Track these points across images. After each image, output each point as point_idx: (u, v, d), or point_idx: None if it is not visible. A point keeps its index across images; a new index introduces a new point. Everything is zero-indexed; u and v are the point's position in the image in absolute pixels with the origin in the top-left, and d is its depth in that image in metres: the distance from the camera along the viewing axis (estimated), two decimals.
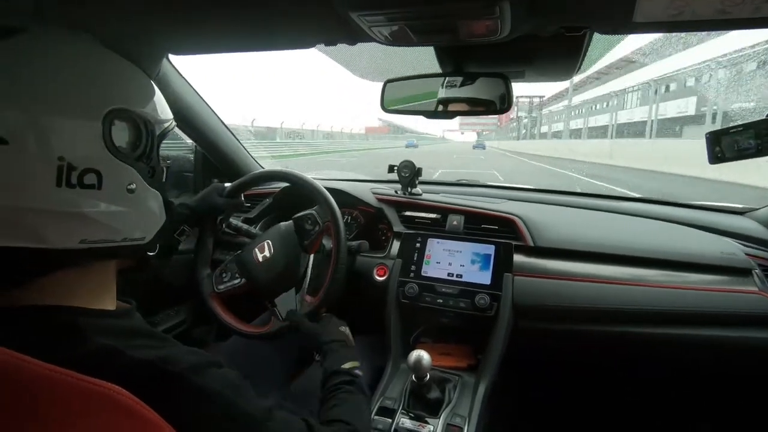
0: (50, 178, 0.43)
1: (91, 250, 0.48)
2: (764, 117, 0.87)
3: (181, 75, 1.27)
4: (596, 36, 0.68)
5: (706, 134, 0.92)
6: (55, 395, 0.39)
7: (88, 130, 0.47)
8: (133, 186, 0.51)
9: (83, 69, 0.49)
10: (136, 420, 0.40)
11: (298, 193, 1.34)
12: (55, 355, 0.41)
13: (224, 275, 1.11)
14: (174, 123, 0.60)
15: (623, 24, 0.58)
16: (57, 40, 0.49)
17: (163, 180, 0.59)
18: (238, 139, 1.58)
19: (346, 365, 0.84)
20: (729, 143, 0.90)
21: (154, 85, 0.59)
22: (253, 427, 0.50)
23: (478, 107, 0.90)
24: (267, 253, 1.09)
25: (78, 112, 0.46)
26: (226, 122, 1.52)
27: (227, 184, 1.18)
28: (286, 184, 1.40)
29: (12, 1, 0.59)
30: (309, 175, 1.14)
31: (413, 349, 0.93)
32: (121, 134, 0.50)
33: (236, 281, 1.10)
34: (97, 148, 0.47)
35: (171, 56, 1.14)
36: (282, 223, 1.15)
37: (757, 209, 1.34)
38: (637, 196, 1.53)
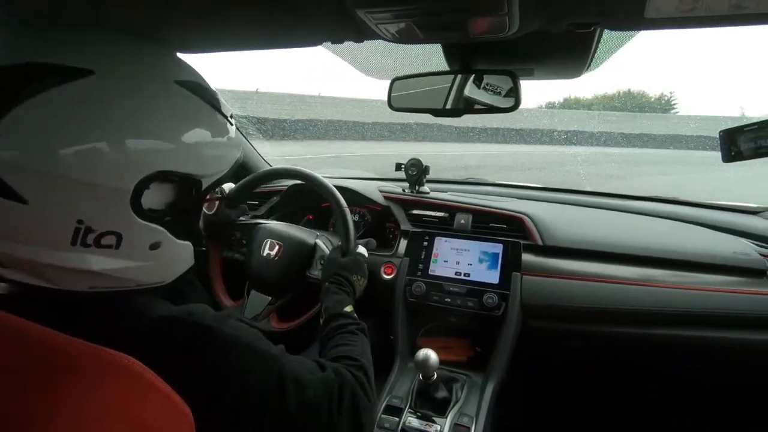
0: (65, 239, 0.42)
1: (102, 293, 0.47)
2: None
3: None
4: (606, 33, 0.67)
5: (720, 132, 0.90)
6: (71, 362, 0.40)
7: (115, 195, 0.43)
8: (159, 242, 0.49)
9: (132, 129, 0.43)
10: (146, 386, 0.41)
11: (306, 191, 1.34)
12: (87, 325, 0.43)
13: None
14: (233, 166, 0.56)
15: (634, 20, 0.57)
16: (121, 88, 0.43)
17: (199, 226, 0.56)
18: (245, 136, 1.59)
19: (348, 309, 0.84)
20: (746, 141, 0.88)
21: (228, 125, 0.53)
22: (273, 363, 0.54)
23: (486, 106, 0.89)
24: (274, 252, 1.10)
25: (108, 178, 0.42)
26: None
27: (229, 186, 1.17)
28: (294, 182, 1.41)
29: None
30: (318, 173, 1.14)
31: (415, 344, 0.92)
32: (156, 196, 0.47)
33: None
34: (122, 211, 0.44)
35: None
36: (265, 224, 1.17)
37: None
38: (648, 195, 1.50)
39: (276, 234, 1.14)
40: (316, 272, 1.11)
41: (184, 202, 0.50)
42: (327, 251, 1.11)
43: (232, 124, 0.56)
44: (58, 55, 0.41)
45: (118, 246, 0.45)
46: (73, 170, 0.40)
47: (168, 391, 0.42)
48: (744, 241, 1.17)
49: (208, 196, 0.55)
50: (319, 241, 1.13)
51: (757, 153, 0.87)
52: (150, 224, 0.47)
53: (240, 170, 1.52)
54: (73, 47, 0.43)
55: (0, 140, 0.38)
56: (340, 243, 1.08)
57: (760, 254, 1.10)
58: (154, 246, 0.48)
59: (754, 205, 1.37)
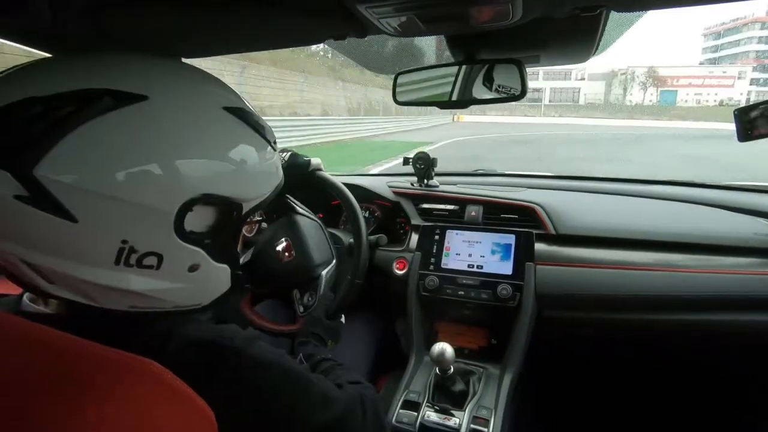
0: (109, 258, 0.43)
1: (139, 313, 0.49)
2: None
3: None
4: (613, 15, 0.65)
5: (734, 111, 0.89)
6: (90, 364, 0.41)
7: (160, 217, 0.44)
8: (197, 264, 0.50)
9: (181, 152, 0.45)
10: (169, 389, 0.42)
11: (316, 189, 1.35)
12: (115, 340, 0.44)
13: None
14: (275, 191, 0.57)
15: (640, 0, 0.56)
16: (172, 113, 0.45)
17: (237, 249, 0.57)
18: None
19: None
20: (761, 119, 0.86)
21: (270, 151, 0.55)
22: (303, 382, 0.56)
23: (492, 95, 0.88)
24: (288, 250, 1.10)
25: (156, 200, 0.43)
26: None
27: None
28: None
29: (29, 13, 0.60)
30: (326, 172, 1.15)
31: (433, 329, 0.92)
32: (198, 219, 0.48)
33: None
34: (165, 233, 0.45)
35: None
36: (300, 219, 1.15)
37: None
38: (662, 179, 1.48)
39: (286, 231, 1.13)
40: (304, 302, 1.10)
41: (224, 225, 0.51)
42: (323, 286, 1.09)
43: (274, 150, 0.57)
44: (113, 80, 0.42)
45: (158, 267, 0.46)
46: (124, 192, 0.41)
47: (192, 395, 0.43)
48: (762, 221, 1.14)
49: (248, 219, 0.56)
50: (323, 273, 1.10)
51: None
52: (190, 246, 0.48)
53: None
54: (128, 73, 0.45)
55: (57, 163, 0.39)
56: (351, 240, 1.08)
57: None
58: (193, 268, 0.49)
59: None
